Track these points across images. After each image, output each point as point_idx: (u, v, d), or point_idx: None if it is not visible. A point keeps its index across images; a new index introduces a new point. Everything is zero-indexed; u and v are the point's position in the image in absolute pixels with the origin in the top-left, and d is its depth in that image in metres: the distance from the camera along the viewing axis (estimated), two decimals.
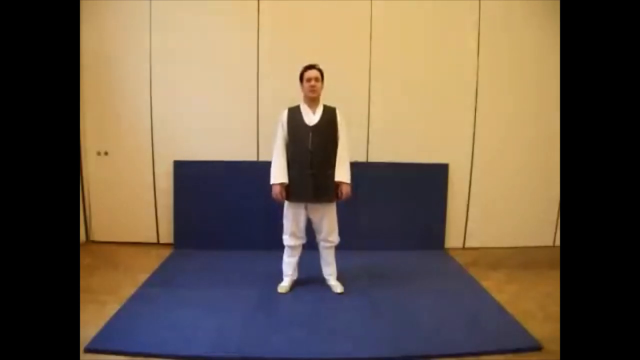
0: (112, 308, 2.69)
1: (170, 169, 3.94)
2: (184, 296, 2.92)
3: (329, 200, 2.91)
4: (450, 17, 3.87)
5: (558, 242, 4.15)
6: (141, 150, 3.97)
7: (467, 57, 3.90)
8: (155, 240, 4.09)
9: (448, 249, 4.05)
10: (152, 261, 3.57)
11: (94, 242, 4.10)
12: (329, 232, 2.97)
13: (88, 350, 2.25)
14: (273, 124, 3.00)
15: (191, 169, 3.89)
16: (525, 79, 3.96)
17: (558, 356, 2.19)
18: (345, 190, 2.87)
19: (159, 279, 3.24)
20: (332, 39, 3.82)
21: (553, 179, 3.91)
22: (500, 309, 2.81)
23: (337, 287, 3.02)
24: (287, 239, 3.00)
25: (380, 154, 3.95)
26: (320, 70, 2.86)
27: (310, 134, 2.83)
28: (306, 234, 3.02)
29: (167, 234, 4.06)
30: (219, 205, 3.88)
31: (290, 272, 3.05)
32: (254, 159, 3.95)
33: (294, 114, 2.89)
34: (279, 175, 2.85)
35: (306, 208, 2.94)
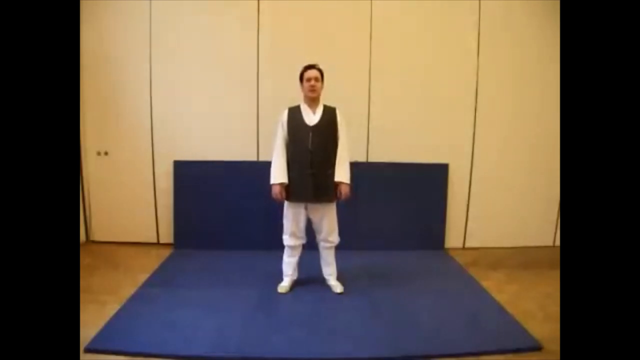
0: (112, 308, 2.69)
1: (170, 169, 3.94)
2: (184, 296, 2.92)
3: (329, 200, 2.91)
4: (450, 17, 3.87)
5: (558, 242, 4.15)
6: (141, 150, 3.97)
7: (467, 57, 3.90)
8: (155, 240, 4.09)
9: (448, 249, 4.05)
10: (152, 261, 3.57)
11: (94, 242, 4.10)
12: (329, 232, 2.97)
13: (88, 350, 2.25)
14: (273, 124, 3.00)
15: (191, 169, 3.89)
16: (525, 79, 3.96)
17: (558, 356, 2.19)
18: (345, 191, 2.87)
19: (159, 279, 3.24)
20: (332, 39, 3.82)
21: (553, 179, 3.91)
22: (500, 309, 2.81)
23: (337, 287, 3.02)
24: (287, 239, 3.00)
25: (380, 154, 3.95)
26: (320, 70, 2.86)
27: (310, 134, 2.83)
28: (306, 234, 3.02)
29: (167, 234, 4.06)
30: (219, 205, 3.88)
31: (290, 272, 3.05)
32: (254, 159, 3.96)
33: (294, 114, 2.89)
34: (279, 175, 2.85)
35: (306, 208, 2.94)
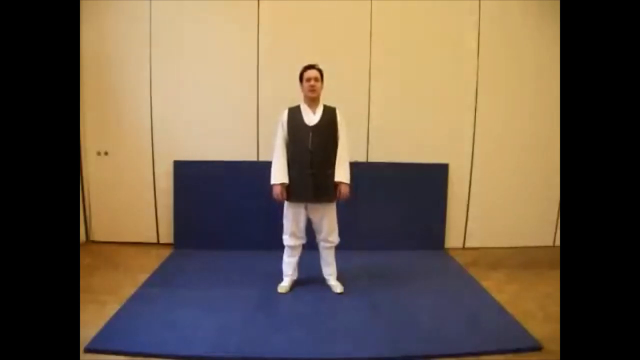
0: (112, 308, 2.69)
1: (170, 169, 3.94)
2: (184, 296, 2.92)
3: (329, 200, 2.91)
4: (450, 17, 3.87)
5: (558, 242, 4.15)
6: (141, 150, 3.97)
7: (467, 57, 3.90)
8: (155, 240, 4.09)
9: (448, 249, 4.05)
10: (152, 261, 3.57)
11: (94, 242, 4.10)
12: (329, 232, 2.97)
13: (88, 350, 2.25)
14: (273, 124, 3.01)
15: (191, 169, 3.89)
16: (525, 79, 3.95)
17: (558, 356, 2.19)
18: (344, 191, 2.87)
19: (159, 279, 3.24)
20: (332, 39, 3.82)
21: (553, 179, 3.90)
22: (500, 309, 2.81)
23: (337, 287, 3.02)
24: (287, 239, 3.00)
25: (380, 154, 3.95)
26: (319, 70, 2.86)
27: (310, 134, 2.83)
28: (306, 234, 3.02)
29: (167, 234, 4.06)
30: (219, 205, 3.88)
31: (290, 272, 3.05)
32: (254, 159, 3.96)
33: (294, 114, 2.89)
34: (279, 175, 2.85)
35: (306, 208, 2.94)
